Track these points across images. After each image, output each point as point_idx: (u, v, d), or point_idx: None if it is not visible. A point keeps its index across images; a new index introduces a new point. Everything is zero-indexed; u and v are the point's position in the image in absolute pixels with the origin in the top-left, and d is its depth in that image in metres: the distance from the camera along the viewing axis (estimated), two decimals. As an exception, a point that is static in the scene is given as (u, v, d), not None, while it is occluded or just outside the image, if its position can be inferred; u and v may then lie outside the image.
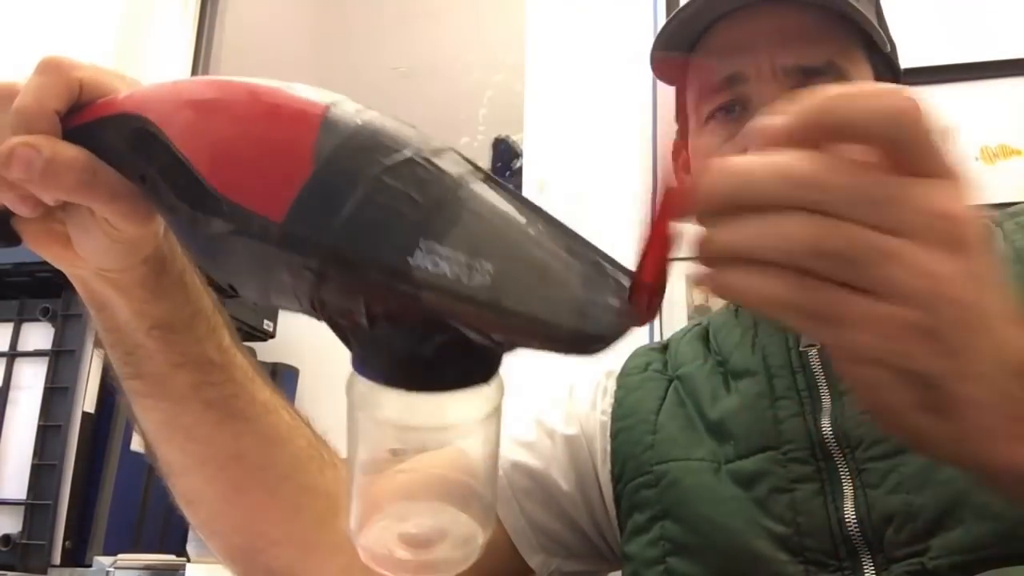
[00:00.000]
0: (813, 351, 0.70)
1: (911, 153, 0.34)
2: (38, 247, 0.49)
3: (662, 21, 1.87)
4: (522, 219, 0.36)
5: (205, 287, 0.56)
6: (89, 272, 0.51)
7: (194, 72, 2.25)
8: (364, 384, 0.37)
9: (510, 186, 0.37)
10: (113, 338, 0.54)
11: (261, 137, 0.37)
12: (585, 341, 0.36)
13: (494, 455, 0.40)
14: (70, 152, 0.41)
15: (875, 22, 0.73)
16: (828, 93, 0.34)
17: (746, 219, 0.35)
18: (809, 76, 0.71)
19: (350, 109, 0.37)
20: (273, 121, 0.37)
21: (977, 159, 1.67)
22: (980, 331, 0.34)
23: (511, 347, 0.37)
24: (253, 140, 0.37)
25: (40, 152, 0.40)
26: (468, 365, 0.36)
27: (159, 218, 0.47)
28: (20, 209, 0.43)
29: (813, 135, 0.34)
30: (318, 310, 0.37)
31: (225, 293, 0.44)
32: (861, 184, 0.33)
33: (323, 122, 0.36)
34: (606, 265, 0.37)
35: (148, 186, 0.40)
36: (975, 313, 0.34)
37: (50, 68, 0.42)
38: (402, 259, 0.34)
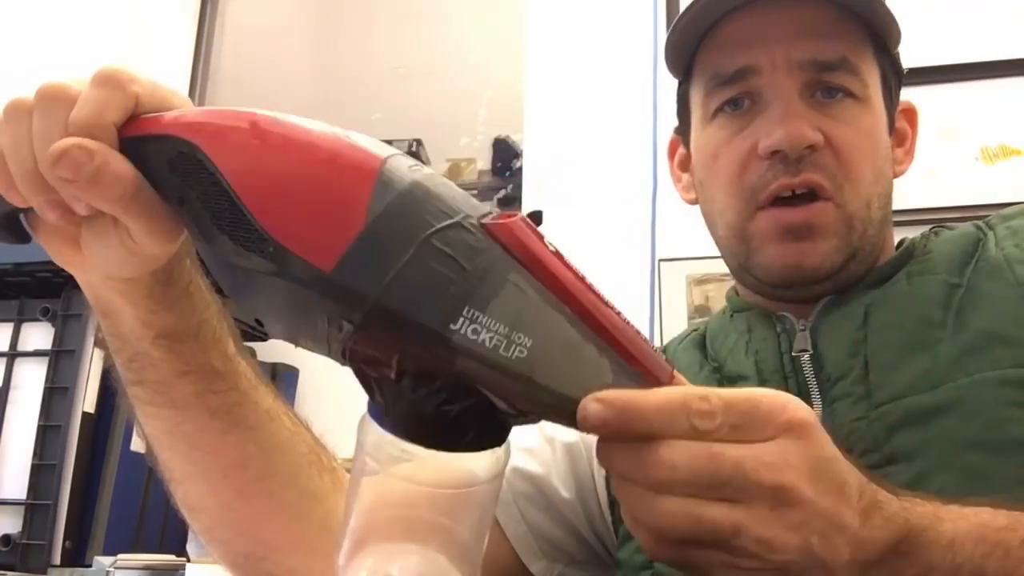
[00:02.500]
0: (805, 356, 0.70)
1: (742, 437, 0.39)
2: (48, 246, 0.48)
3: (662, 22, 1.88)
4: (562, 299, 0.37)
5: (211, 295, 0.55)
6: (96, 278, 0.50)
7: (194, 73, 2.25)
8: (378, 433, 0.37)
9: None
10: (117, 344, 0.54)
11: (316, 185, 0.37)
12: None
13: (491, 514, 0.40)
14: (122, 166, 0.41)
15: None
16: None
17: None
18: (823, 71, 0.70)
19: (404, 164, 0.37)
20: (330, 168, 0.37)
21: (977, 159, 1.67)
22: (824, 558, 0.39)
23: (535, 419, 0.38)
24: (307, 186, 0.37)
25: (93, 158, 0.40)
26: (486, 429, 0.37)
27: (182, 241, 0.47)
28: (47, 214, 0.43)
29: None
30: (347, 358, 0.37)
31: (250, 329, 0.43)
32: (700, 474, 0.38)
33: (379, 175, 0.36)
34: (628, 365, 0.38)
35: (186, 210, 0.40)
36: (808, 554, 0.39)
37: (110, 81, 0.42)
38: (444, 324, 0.35)
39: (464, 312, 0.35)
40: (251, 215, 0.37)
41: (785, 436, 0.39)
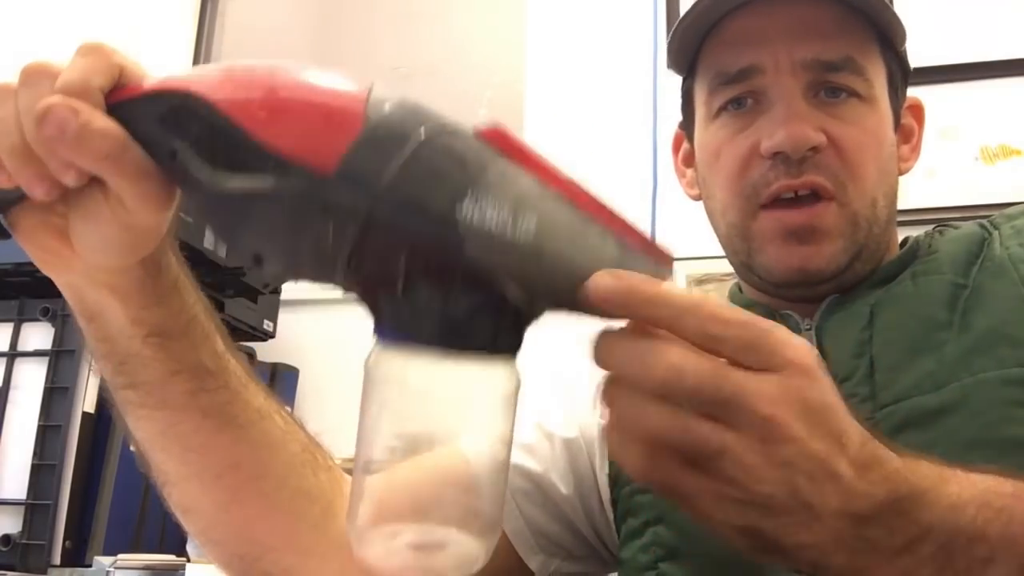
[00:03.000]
0: None
1: (744, 358, 0.39)
2: (32, 242, 0.47)
3: (663, 22, 1.88)
4: (560, 189, 0.38)
5: (198, 292, 0.55)
6: (84, 279, 0.50)
7: (194, 72, 2.25)
8: (389, 354, 0.38)
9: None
10: (106, 348, 0.53)
11: (312, 101, 0.38)
12: None
13: (504, 465, 0.40)
14: (108, 122, 0.41)
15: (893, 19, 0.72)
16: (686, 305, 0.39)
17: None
18: (827, 71, 0.70)
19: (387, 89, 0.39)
20: (323, 87, 0.39)
21: (977, 159, 1.67)
22: (810, 501, 0.40)
23: (545, 307, 0.38)
24: (303, 103, 0.38)
25: (77, 115, 0.40)
26: (498, 328, 0.38)
27: (171, 210, 0.46)
28: (35, 190, 0.43)
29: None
30: (351, 272, 0.37)
31: (238, 276, 0.43)
32: (704, 386, 0.38)
33: (371, 90, 0.38)
34: (633, 243, 0.39)
35: (178, 163, 0.41)
36: (792, 493, 0.39)
37: (95, 50, 0.43)
38: (450, 208, 0.36)
39: (468, 197, 0.36)
40: (251, 136, 0.38)
41: (789, 372, 0.39)
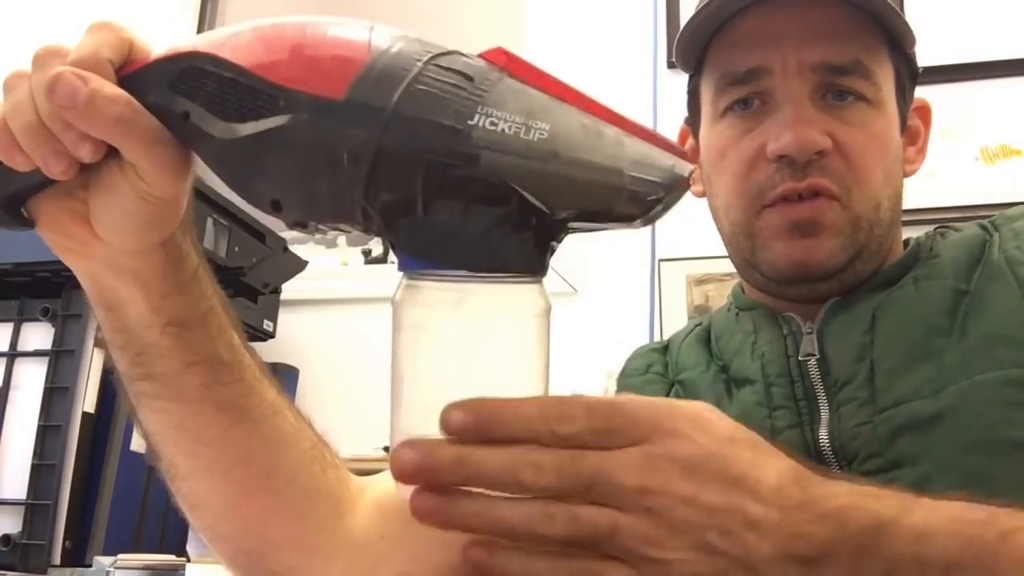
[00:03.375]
0: (812, 360, 0.70)
1: (600, 442, 0.39)
2: (54, 229, 0.48)
3: (663, 22, 1.88)
4: (567, 98, 0.38)
5: (216, 285, 0.56)
6: (105, 266, 0.50)
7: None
8: (415, 287, 0.38)
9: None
10: (123, 339, 0.54)
11: (318, 40, 0.40)
12: (648, 192, 0.38)
13: (544, 372, 0.40)
14: (113, 88, 0.42)
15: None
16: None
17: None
18: (835, 74, 0.70)
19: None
20: (327, 28, 0.40)
21: (977, 159, 1.67)
22: (735, 554, 0.39)
23: (567, 219, 0.38)
24: (311, 43, 0.40)
25: (87, 82, 0.41)
26: (521, 247, 0.38)
27: (187, 180, 0.47)
28: (52, 167, 0.43)
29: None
30: (370, 204, 0.38)
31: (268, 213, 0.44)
32: (564, 474, 0.38)
33: (373, 27, 0.40)
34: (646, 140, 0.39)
35: (191, 123, 0.42)
36: (709, 550, 0.39)
37: (103, 26, 0.45)
38: (462, 120, 0.36)
39: (479, 110, 0.36)
40: (261, 80, 0.39)
41: (652, 440, 0.39)
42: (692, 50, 0.76)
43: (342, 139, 0.37)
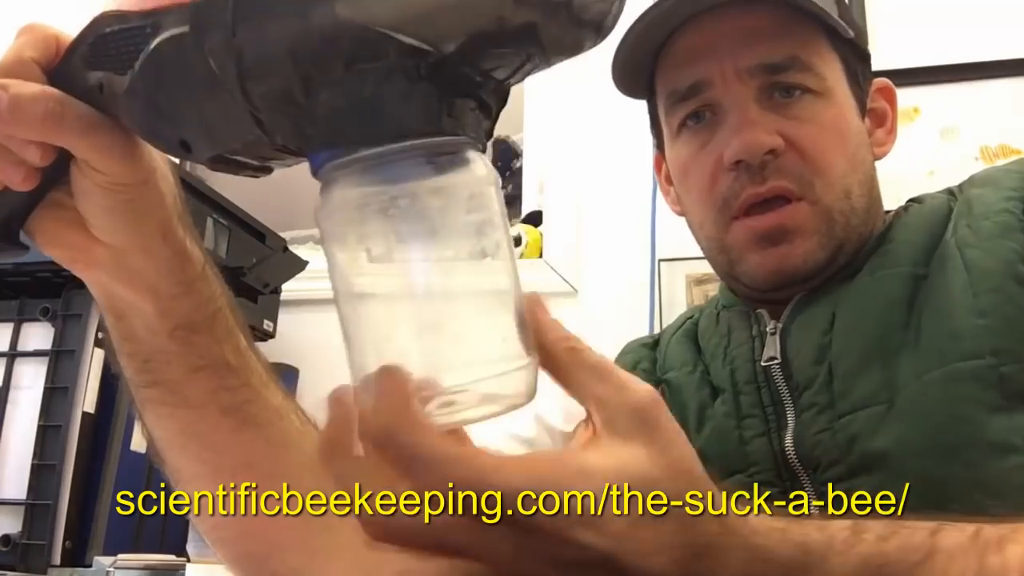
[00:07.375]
0: (775, 364, 0.70)
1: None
2: (54, 243, 0.49)
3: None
4: None
5: (223, 286, 0.56)
6: (112, 273, 0.50)
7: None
8: (334, 187, 0.35)
9: None
10: (131, 347, 0.54)
11: None
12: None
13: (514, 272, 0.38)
14: (33, 88, 0.42)
15: (835, 11, 0.72)
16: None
17: None
18: (774, 73, 0.71)
19: None
20: None
21: (977, 159, 1.67)
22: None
23: (461, 59, 0.34)
24: None
25: (7, 89, 0.41)
26: (423, 101, 0.34)
27: (141, 160, 0.47)
28: (12, 177, 0.44)
29: None
30: (257, 112, 0.36)
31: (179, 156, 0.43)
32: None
33: None
34: None
35: (106, 92, 0.42)
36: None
37: (27, 28, 0.45)
38: None
39: None
40: (132, 18, 0.40)
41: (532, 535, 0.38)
42: (639, 74, 0.77)
43: (199, 44, 0.36)
